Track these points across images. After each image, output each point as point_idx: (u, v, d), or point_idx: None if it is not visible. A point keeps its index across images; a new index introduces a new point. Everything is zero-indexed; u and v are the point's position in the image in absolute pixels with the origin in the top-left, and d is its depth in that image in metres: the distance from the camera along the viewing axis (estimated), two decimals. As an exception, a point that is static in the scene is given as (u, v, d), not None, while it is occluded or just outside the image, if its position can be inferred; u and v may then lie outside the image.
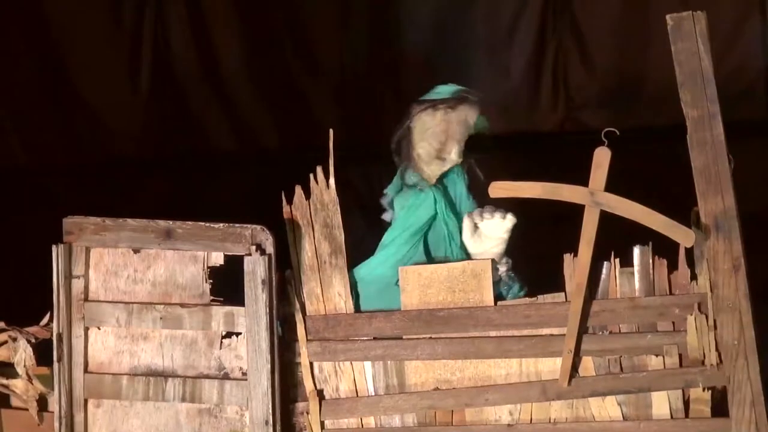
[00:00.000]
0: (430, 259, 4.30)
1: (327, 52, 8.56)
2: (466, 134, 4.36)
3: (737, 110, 7.28)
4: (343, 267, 4.21)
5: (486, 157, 4.48)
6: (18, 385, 4.48)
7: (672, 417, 4.05)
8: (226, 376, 4.23)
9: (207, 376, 4.24)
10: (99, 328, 4.29)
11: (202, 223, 4.20)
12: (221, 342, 4.23)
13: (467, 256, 4.25)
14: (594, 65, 8.29)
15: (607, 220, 4.00)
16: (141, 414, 4.28)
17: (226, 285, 4.24)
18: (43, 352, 4.40)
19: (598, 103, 8.19)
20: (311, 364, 4.21)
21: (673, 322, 4.03)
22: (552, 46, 8.39)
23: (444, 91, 4.41)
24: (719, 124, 3.95)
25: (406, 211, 4.36)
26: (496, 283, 4.19)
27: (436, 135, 4.34)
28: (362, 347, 4.18)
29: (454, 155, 4.35)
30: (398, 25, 8.51)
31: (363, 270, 4.29)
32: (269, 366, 4.12)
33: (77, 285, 4.28)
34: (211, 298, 4.23)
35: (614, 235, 4.15)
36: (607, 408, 4.09)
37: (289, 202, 4.21)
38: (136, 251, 4.27)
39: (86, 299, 4.28)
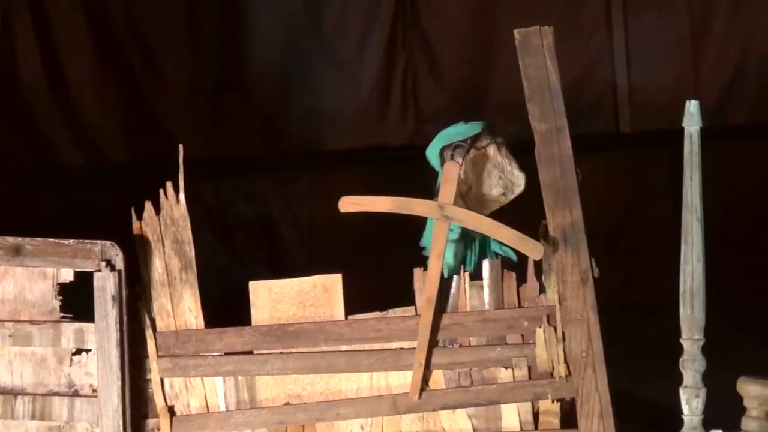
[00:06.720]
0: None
1: (176, 67, 8.54)
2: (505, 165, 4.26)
3: (585, 124, 7.45)
4: (194, 282, 4.17)
5: (335, 171, 4.48)
6: None
7: (521, 429, 4.08)
8: (76, 393, 4.18)
9: (57, 394, 4.18)
10: (-53, 346, 4.23)
11: (52, 240, 4.14)
12: (71, 359, 4.18)
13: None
14: (443, 78, 8.35)
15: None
16: (-10, 433, 4.23)
17: (77, 301, 4.20)
18: None
19: (448, 117, 8.19)
20: (162, 380, 4.17)
21: (522, 335, 4.07)
22: (402, 59, 8.43)
23: (459, 131, 4.29)
24: (567, 138, 4.00)
25: None
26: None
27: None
28: (213, 363, 4.15)
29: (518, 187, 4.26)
30: (247, 39, 8.53)
31: None
32: (119, 383, 4.08)
33: (-77, 303, 4.21)
34: (61, 314, 4.17)
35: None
36: (458, 421, 4.10)
37: (140, 217, 4.18)
38: (-17, 268, 4.21)
39: (-67, 317, 4.21)
